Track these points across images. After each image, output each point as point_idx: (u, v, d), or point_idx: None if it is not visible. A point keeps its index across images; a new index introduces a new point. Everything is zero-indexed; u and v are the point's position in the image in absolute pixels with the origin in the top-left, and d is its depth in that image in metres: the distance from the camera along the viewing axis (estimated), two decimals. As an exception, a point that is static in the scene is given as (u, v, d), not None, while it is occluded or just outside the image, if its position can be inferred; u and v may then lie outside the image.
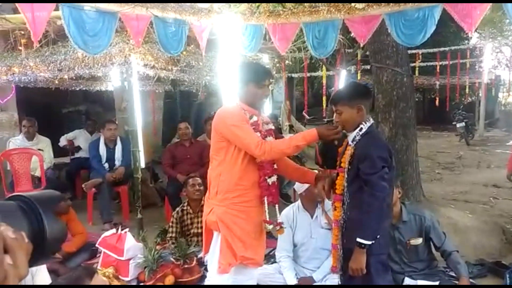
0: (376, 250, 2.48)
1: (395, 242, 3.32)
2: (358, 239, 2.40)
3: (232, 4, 4.21)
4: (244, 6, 4.23)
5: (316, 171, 2.98)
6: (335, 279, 3.12)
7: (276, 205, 2.80)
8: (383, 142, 2.70)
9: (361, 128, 2.51)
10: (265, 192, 2.66)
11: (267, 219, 2.70)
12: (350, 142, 2.57)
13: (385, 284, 2.60)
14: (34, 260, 0.56)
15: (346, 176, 2.55)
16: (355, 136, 2.53)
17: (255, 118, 2.69)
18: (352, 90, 2.67)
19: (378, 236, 2.42)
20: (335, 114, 2.60)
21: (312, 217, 3.53)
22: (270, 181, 2.66)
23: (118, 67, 4.83)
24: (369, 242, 2.39)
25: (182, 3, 3.98)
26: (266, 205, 2.68)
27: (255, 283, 2.96)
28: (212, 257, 2.78)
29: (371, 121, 2.56)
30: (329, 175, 2.75)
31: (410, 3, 3.84)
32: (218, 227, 2.65)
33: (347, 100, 2.54)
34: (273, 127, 2.88)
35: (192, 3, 4.08)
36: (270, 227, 2.71)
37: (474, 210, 5.75)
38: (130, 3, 3.63)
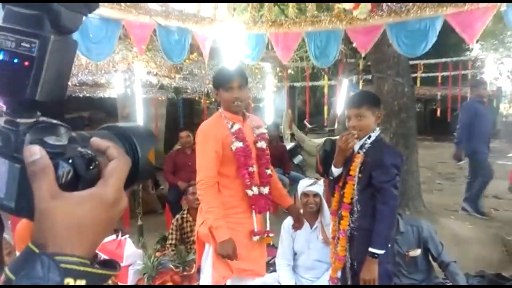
0: (384, 260, 2.46)
1: (393, 255, 3.25)
2: (371, 249, 2.37)
3: (235, 13, 4.25)
4: (247, 15, 4.27)
5: (292, 200, 2.97)
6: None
7: (267, 214, 2.77)
8: (394, 149, 2.69)
9: (370, 136, 2.50)
10: (253, 202, 2.63)
11: (255, 229, 2.65)
12: (358, 150, 2.53)
13: (386, 285, 2.57)
14: (127, 184, 0.56)
15: (356, 184, 2.51)
16: (363, 144, 2.50)
17: (237, 127, 2.61)
18: (375, 98, 2.65)
19: (389, 245, 2.41)
20: (353, 118, 2.53)
21: (311, 227, 3.52)
22: (251, 193, 2.61)
23: (121, 74, 4.86)
24: (382, 252, 2.37)
25: (185, 11, 4.01)
26: (254, 216, 2.64)
27: None
28: (204, 269, 2.75)
29: (378, 130, 2.56)
30: (298, 211, 2.77)
31: (412, 14, 3.87)
32: (209, 240, 2.61)
33: (372, 106, 2.50)
34: (265, 131, 2.82)
35: (196, 11, 4.11)
36: (256, 238, 2.65)
37: (475, 221, 5.72)
38: (134, 11, 3.67)
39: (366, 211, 2.47)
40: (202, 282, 2.80)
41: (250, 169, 2.60)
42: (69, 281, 0.46)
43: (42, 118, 0.53)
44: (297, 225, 3.06)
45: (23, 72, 0.50)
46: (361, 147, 2.51)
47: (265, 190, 2.67)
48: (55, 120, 0.55)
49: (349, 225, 2.57)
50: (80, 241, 0.49)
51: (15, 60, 0.51)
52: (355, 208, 2.53)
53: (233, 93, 2.58)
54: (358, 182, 2.50)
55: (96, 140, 0.54)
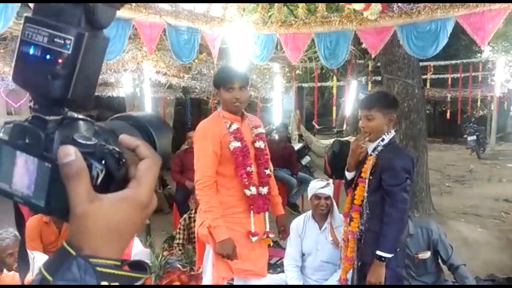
0: (393, 264, 2.44)
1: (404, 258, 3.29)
2: (378, 252, 2.35)
3: (244, 13, 4.25)
4: (256, 15, 4.26)
5: (283, 212, 2.95)
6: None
7: (267, 214, 2.74)
8: (406, 153, 2.67)
9: (383, 139, 2.48)
10: (251, 202, 2.61)
11: (252, 230, 2.62)
12: (370, 152, 2.52)
13: (388, 285, 2.55)
14: None
15: (366, 186, 2.50)
16: (376, 146, 2.49)
17: (235, 126, 2.59)
18: (389, 100, 2.62)
19: (398, 249, 2.39)
20: (363, 119, 2.52)
21: (320, 228, 3.51)
22: (249, 192, 2.60)
23: (131, 73, 4.88)
24: (390, 255, 2.35)
25: (195, 11, 4.02)
26: (252, 216, 2.62)
27: None
28: (206, 269, 2.75)
29: (393, 132, 2.53)
30: (285, 223, 2.80)
31: (423, 15, 3.84)
32: (209, 240, 2.59)
33: (383, 108, 2.47)
34: (263, 131, 2.80)
35: (205, 11, 4.12)
36: (254, 239, 2.63)
37: (485, 225, 5.67)
38: (144, 10, 3.68)
39: (376, 213, 2.46)
40: (204, 283, 2.79)
41: (248, 169, 2.57)
42: (104, 284, 0.46)
43: (70, 114, 0.52)
44: (281, 237, 3.02)
45: (56, 70, 0.49)
46: (374, 150, 2.49)
47: (264, 190, 2.65)
48: (80, 114, 0.54)
49: (358, 227, 2.55)
50: (114, 243, 0.49)
51: (48, 56, 0.49)
52: (365, 211, 2.52)
53: (234, 93, 2.55)
54: (369, 184, 2.48)
55: (126, 138, 0.53)
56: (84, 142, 0.49)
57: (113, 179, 0.51)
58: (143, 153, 0.53)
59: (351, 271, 2.72)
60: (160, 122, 0.64)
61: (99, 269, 0.46)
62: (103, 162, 0.50)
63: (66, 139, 0.49)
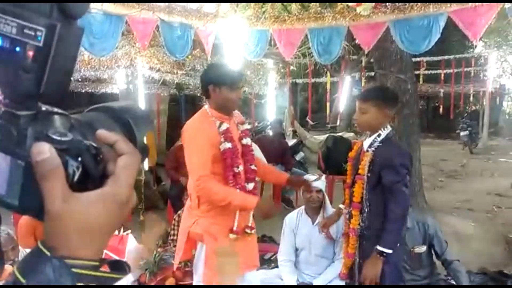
0: (394, 258, 2.45)
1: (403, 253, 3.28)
2: (379, 248, 2.36)
3: (237, 9, 4.24)
4: (249, 11, 4.26)
5: (287, 174, 2.97)
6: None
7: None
8: (404, 149, 2.66)
9: (380, 134, 2.46)
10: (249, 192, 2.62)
11: (234, 228, 2.59)
12: (367, 148, 2.50)
13: (386, 285, 2.57)
14: None
15: (365, 183, 2.49)
16: (372, 142, 2.47)
17: (225, 126, 2.54)
18: (386, 94, 2.61)
19: (398, 244, 2.41)
20: (357, 111, 2.52)
21: (313, 223, 3.52)
22: (248, 187, 2.61)
23: (124, 69, 4.86)
24: (390, 251, 2.36)
25: (188, 7, 4.01)
26: (237, 214, 2.58)
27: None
28: (197, 267, 2.74)
29: (389, 128, 2.50)
30: (303, 181, 2.77)
31: (416, 10, 3.85)
32: (203, 239, 2.59)
33: (378, 102, 2.45)
34: (248, 127, 2.80)
35: (198, 7, 4.11)
36: (233, 236, 2.59)
37: (477, 219, 5.72)
38: (137, 6, 3.66)
39: (377, 210, 2.45)
40: (195, 281, 2.78)
41: (236, 169, 2.56)
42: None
43: (42, 108, 0.49)
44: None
45: (27, 63, 0.46)
46: (370, 145, 2.48)
47: (250, 186, 2.64)
48: (54, 108, 0.51)
49: (359, 224, 2.55)
50: (92, 243, 0.48)
51: (17, 49, 0.46)
52: (365, 207, 2.51)
53: (238, 93, 2.54)
54: (368, 181, 2.47)
55: (103, 133, 0.51)
56: (59, 138, 0.47)
57: (90, 176, 0.48)
58: (121, 149, 0.51)
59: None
60: (139, 112, 0.61)
61: (75, 270, 0.44)
62: (79, 159, 0.48)
63: (40, 135, 0.47)
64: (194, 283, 2.89)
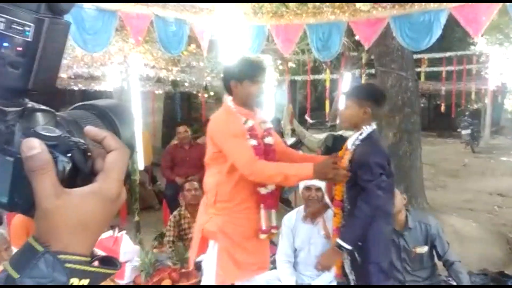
0: (375, 258, 2.44)
1: (399, 250, 3.26)
2: (338, 240, 2.37)
3: (234, 4, 4.17)
4: (246, 6, 4.19)
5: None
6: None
7: (273, 211, 2.71)
8: (382, 148, 2.61)
9: (362, 133, 2.46)
10: (262, 200, 2.59)
11: (263, 227, 2.61)
12: (349, 147, 2.51)
13: (383, 285, 2.54)
14: None
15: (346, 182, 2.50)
16: (354, 141, 2.48)
17: (250, 123, 2.53)
18: (367, 91, 2.62)
19: (359, 243, 2.39)
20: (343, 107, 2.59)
21: (312, 222, 3.46)
22: (265, 191, 2.56)
23: (117, 66, 4.80)
24: (348, 247, 2.35)
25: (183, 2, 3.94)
26: (262, 213, 2.59)
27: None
28: (208, 266, 2.71)
29: (374, 126, 2.49)
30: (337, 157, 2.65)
31: (416, 6, 3.80)
32: (217, 237, 2.58)
33: (358, 98, 2.49)
34: (271, 125, 2.75)
35: (193, 2, 4.04)
36: (263, 236, 2.62)
37: (478, 219, 5.68)
38: (131, 2, 3.60)
39: (354, 209, 2.45)
40: (204, 280, 2.76)
41: None
42: (74, 280, 0.45)
43: (30, 105, 0.50)
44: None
45: (15, 58, 0.46)
46: (352, 144, 2.49)
47: (270, 187, 2.60)
48: (41, 105, 0.52)
49: (341, 222, 2.59)
50: (83, 239, 0.48)
51: (5, 44, 0.46)
52: (346, 206, 2.53)
53: (260, 86, 2.53)
54: (348, 179, 2.45)
55: (92, 130, 0.52)
56: (47, 134, 0.48)
57: (80, 173, 0.49)
58: (110, 145, 0.52)
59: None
60: (123, 110, 0.63)
61: (68, 265, 0.45)
62: (69, 155, 0.48)
63: (28, 131, 0.48)
64: (202, 282, 2.87)
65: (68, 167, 0.48)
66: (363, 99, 2.47)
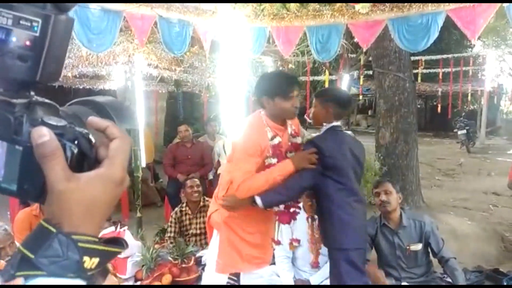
0: (342, 244, 2.54)
1: (394, 248, 3.30)
2: (256, 196, 2.43)
3: (236, 6, 4.23)
4: (248, 8, 4.25)
5: None
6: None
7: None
8: (332, 138, 2.63)
9: (321, 128, 2.68)
10: (277, 214, 2.65)
11: (276, 238, 2.72)
12: (309, 137, 2.82)
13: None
14: None
15: None
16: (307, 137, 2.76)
17: (277, 140, 2.49)
18: (331, 94, 2.84)
19: (268, 208, 2.52)
20: None
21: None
22: (277, 209, 2.62)
23: (122, 66, 4.85)
24: (260, 204, 2.43)
25: (187, 4, 4.00)
26: (276, 224, 2.70)
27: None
28: (211, 254, 2.78)
29: (335, 123, 2.62)
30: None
31: (414, 9, 3.85)
32: (220, 228, 2.63)
33: (324, 100, 2.68)
34: (299, 141, 2.69)
35: (197, 4, 4.10)
36: (276, 247, 2.75)
37: (474, 217, 5.74)
38: (135, 3, 3.65)
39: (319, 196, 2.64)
40: (208, 268, 2.82)
41: None
42: (86, 259, 0.48)
43: (35, 98, 0.52)
44: None
45: (24, 52, 0.49)
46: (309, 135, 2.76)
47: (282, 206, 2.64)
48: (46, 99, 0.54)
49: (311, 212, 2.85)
50: (92, 220, 0.51)
51: (13, 39, 0.48)
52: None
53: (293, 102, 2.46)
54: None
55: (95, 120, 0.55)
56: (54, 123, 0.50)
57: (86, 159, 0.52)
58: (113, 133, 0.54)
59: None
60: (120, 106, 0.65)
61: (80, 244, 0.48)
62: (76, 142, 0.51)
63: (36, 121, 0.50)
64: (205, 271, 2.93)
65: (75, 153, 0.50)
66: (324, 100, 2.66)
